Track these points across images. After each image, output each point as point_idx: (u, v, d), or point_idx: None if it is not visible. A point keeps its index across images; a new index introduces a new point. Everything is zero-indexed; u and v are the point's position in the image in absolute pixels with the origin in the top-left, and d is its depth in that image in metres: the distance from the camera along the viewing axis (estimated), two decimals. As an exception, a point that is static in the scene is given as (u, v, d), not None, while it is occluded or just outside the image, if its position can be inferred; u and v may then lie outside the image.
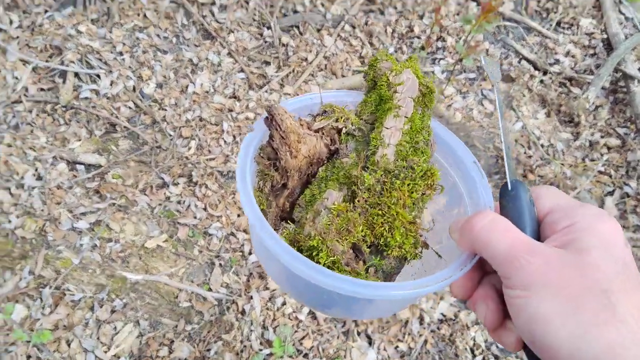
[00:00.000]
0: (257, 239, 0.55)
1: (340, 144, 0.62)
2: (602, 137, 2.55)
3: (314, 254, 0.51)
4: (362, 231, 0.53)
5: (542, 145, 2.53)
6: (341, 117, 0.61)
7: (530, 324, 0.41)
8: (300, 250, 0.51)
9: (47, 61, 2.36)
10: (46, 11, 2.50)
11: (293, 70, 2.58)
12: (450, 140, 0.64)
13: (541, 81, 2.78)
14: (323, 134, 0.61)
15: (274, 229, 0.56)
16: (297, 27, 2.75)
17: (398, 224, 0.53)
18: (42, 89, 2.31)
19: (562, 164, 2.45)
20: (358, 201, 0.54)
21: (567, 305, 0.39)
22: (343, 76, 2.61)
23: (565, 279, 0.40)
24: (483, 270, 0.52)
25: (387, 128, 0.58)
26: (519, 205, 0.48)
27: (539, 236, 0.47)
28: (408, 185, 0.54)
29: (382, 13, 2.89)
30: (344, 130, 0.62)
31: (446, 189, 0.62)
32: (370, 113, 0.62)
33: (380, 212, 0.53)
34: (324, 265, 0.49)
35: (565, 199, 0.48)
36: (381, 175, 0.55)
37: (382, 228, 0.53)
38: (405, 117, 0.59)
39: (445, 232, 0.54)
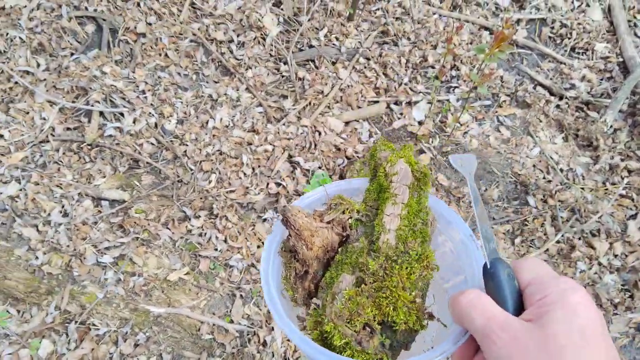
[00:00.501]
0: None
1: (351, 230, 0.70)
2: (622, 160, 2.53)
3: (329, 337, 0.58)
4: (371, 312, 0.60)
5: (562, 170, 2.52)
6: (347, 209, 0.70)
7: None
8: (320, 332, 0.60)
9: (73, 102, 2.45)
10: (72, 54, 2.61)
11: (310, 103, 2.63)
12: (449, 216, 0.72)
13: (557, 106, 2.78)
14: (334, 224, 0.70)
15: (305, 305, 0.69)
16: (313, 61, 2.81)
17: (400, 304, 0.59)
18: (68, 129, 2.40)
19: (583, 188, 2.43)
20: (365, 285, 0.61)
21: None
22: (359, 107, 2.65)
23: (528, 352, 0.45)
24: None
25: (387, 215, 0.66)
26: (497, 283, 0.53)
27: (522, 307, 0.52)
28: (406, 268, 0.61)
29: (395, 44, 2.94)
30: (351, 219, 0.71)
31: (456, 260, 0.70)
32: (374, 200, 0.72)
33: (384, 294, 0.60)
34: (337, 346, 0.57)
35: (542, 270, 0.53)
36: (383, 261, 0.62)
37: (388, 308, 0.59)
38: (402, 203, 0.67)
39: None
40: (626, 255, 2.23)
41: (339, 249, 0.70)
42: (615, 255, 2.23)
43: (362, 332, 0.59)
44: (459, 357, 0.57)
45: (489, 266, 0.56)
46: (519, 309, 0.51)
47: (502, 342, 0.46)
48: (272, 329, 1.95)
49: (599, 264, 2.20)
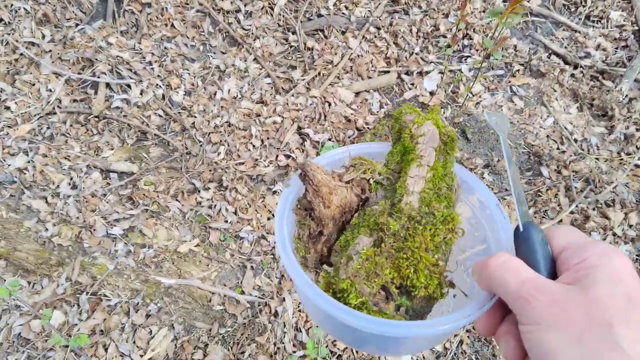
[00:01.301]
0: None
1: (370, 193, 0.67)
2: (637, 130, 2.48)
3: (344, 295, 0.55)
4: (389, 274, 0.56)
5: (576, 140, 2.47)
6: (368, 169, 0.67)
7: (540, 358, 0.43)
8: (334, 293, 0.56)
9: (79, 73, 2.42)
10: (77, 25, 2.57)
11: (319, 74, 2.59)
12: (474, 184, 0.68)
13: (572, 75, 2.73)
14: (353, 185, 0.66)
15: (316, 271, 0.65)
16: (322, 30, 2.76)
17: (422, 267, 0.56)
18: (75, 100, 2.37)
19: (597, 159, 2.39)
20: (384, 246, 0.57)
21: (571, 338, 0.41)
22: (369, 77, 2.60)
23: (570, 314, 0.42)
24: (505, 308, 0.53)
25: (411, 177, 0.63)
26: (530, 246, 0.50)
27: (555, 273, 0.49)
28: (430, 230, 0.58)
29: (406, 13, 2.88)
30: (372, 180, 0.67)
31: (473, 230, 0.67)
32: (397, 163, 0.67)
33: (405, 255, 0.56)
34: (353, 306, 0.54)
35: (578, 236, 0.50)
36: (405, 222, 0.59)
37: (408, 270, 0.56)
38: (428, 165, 0.63)
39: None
40: (641, 226, 2.20)
41: (356, 213, 0.66)
42: (630, 226, 2.20)
43: (378, 296, 0.56)
44: (484, 326, 0.53)
45: (521, 229, 0.52)
46: (552, 275, 0.48)
47: (538, 303, 0.43)
48: (284, 299, 1.94)
49: (614, 234, 2.17)
